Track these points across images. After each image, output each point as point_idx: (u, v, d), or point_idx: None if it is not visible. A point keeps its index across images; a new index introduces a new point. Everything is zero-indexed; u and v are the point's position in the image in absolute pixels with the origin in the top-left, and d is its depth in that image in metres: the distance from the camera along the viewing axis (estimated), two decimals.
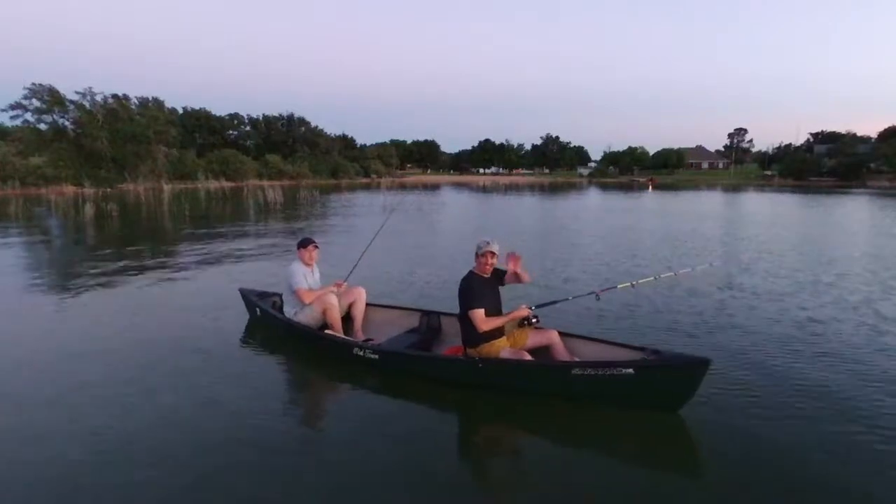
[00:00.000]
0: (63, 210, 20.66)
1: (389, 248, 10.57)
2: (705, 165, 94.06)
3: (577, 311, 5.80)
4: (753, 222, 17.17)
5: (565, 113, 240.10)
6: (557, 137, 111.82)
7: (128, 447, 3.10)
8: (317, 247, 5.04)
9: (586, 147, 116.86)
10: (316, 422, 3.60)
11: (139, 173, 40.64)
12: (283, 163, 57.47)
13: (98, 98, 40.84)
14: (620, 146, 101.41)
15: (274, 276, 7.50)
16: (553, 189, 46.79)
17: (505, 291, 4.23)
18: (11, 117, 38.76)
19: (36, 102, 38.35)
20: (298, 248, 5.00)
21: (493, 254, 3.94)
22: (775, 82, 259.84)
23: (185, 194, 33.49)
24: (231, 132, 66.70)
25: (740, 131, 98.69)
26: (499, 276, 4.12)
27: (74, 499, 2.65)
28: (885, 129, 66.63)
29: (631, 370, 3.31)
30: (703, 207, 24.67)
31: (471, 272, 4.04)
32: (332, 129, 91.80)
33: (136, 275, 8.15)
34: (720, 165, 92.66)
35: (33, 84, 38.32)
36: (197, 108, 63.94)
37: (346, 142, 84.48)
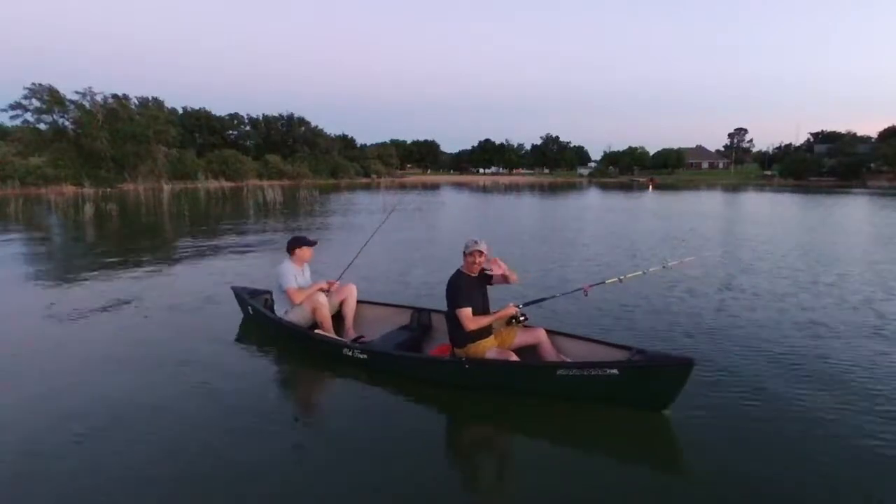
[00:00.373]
0: (63, 210, 20.66)
1: (387, 248, 10.57)
2: (705, 165, 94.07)
3: (575, 310, 5.81)
4: (753, 222, 17.17)
5: (565, 113, 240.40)
6: (557, 137, 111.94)
7: (113, 445, 3.10)
8: (311, 246, 5.03)
9: (586, 147, 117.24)
10: (304, 422, 3.59)
11: (139, 173, 40.67)
12: (282, 163, 57.47)
13: (98, 98, 40.94)
14: (620, 146, 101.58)
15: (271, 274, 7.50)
16: (553, 189, 46.79)
17: (493, 290, 4.24)
18: (11, 117, 38.91)
19: (36, 102, 38.43)
20: (293, 247, 4.96)
21: (480, 253, 3.95)
22: (775, 82, 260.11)
23: (184, 194, 33.49)
24: (231, 132, 66.71)
25: (740, 131, 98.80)
26: (487, 275, 4.13)
27: (60, 499, 2.65)
28: (885, 129, 66.65)
29: (616, 370, 3.33)
30: (703, 207, 24.66)
31: (458, 271, 4.05)
32: (332, 129, 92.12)
33: (133, 273, 8.14)
34: (720, 165, 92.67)
35: (33, 84, 38.45)
36: (197, 108, 64.07)
37: (346, 142, 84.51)
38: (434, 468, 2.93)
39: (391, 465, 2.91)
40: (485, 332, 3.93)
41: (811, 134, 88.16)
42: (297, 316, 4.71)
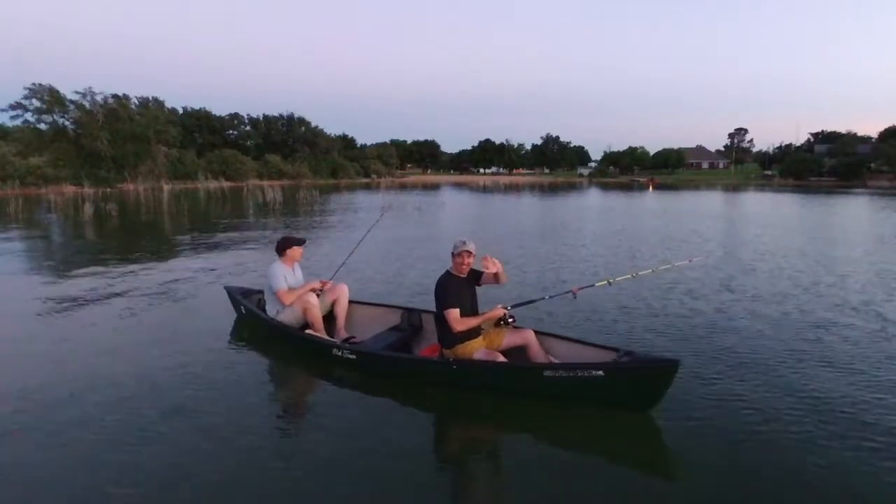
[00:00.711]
0: (63, 210, 20.67)
1: (385, 248, 10.56)
2: (706, 165, 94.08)
3: (572, 311, 5.81)
4: (753, 222, 17.16)
5: (565, 113, 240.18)
6: (557, 137, 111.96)
7: (98, 446, 3.11)
8: (300, 245, 5.03)
9: (586, 147, 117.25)
10: (293, 422, 3.60)
11: (139, 173, 40.67)
12: (283, 163, 57.49)
13: (98, 98, 40.95)
14: (620, 146, 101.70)
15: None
16: (553, 189, 46.79)
17: (483, 291, 4.24)
18: (11, 117, 38.95)
19: (36, 102, 38.45)
20: (282, 248, 4.96)
21: (469, 253, 3.95)
22: (775, 82, 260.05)
23: (184, 194, 33.51)
24: (231, 132, 66.68)
25: (740, 131, 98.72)
26: (476, 276, 4.14)
27: (45, 499, 2.65)
28: (886, 129, 66.58)
29: (601, 372, 3.36)
30: (704, 207, 24.66)
31: (447, 272, 4.06)
32: (332, 129, 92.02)
33: (129, 274, 8.15)
34: (720, 165, 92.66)
35: (33, 84, 38.45)
36: (197, 108, 64.01)
37: (346, 142, 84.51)
38: (421, 468, 2.93)
39: (378, 466, 2.91)
40: (473, 332, 3.94)
41: (811, 134, 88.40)
42: (289, 316, 4.72)
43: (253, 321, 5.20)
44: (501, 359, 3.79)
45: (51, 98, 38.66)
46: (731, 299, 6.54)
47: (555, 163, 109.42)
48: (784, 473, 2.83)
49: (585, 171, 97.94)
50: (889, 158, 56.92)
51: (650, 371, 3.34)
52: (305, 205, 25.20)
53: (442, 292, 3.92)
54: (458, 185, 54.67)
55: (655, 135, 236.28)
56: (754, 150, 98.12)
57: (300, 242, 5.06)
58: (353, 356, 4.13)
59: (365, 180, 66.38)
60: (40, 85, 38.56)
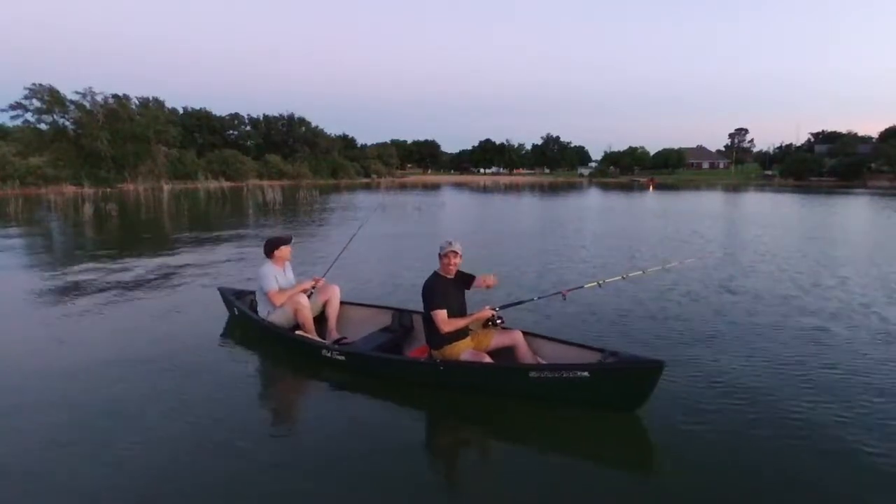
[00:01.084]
0: (63, 210, 20.67)
1: (383, 248, 10.56)
2: (706, 165, 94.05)
3: (569, 312, 5.81)
4: (754, 223, 17.15)
5: (565, 113, 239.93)
6: (558, 137, 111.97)
7: (90, 442, 3.12)
8: (287, 244, 5.03)
9: (587, 147, 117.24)
10: (280, 422, 3.60)
11: (139, 173, 40.69)
12: (283, 163, 57.49)
13: (98, 98, 40.94)
14: (621, 146, 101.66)
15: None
16: (553, 189, 46.78)
17: (473, 291, 4.28)
18: (12, 117, 38.96)
19: (36, 102, 38.45)
20: (271, 249, 4.95)
21: (455, 253, 3.96)
22: (775, 82, 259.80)
23: (184, 194, 33.52)
24: (231, 132, 66.67)
25: (741, 131, 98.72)
26: (464, 278, 4.16)
27: (35, 499, 2.65)
28: (886, 129, 66.54)
29: (586, 373, 3.38)
30: (704, 208, 24.65)
31: (435, 273, 4.07)
32: (333, 129, 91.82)
33: (126, 274, 8.15)
34: (721, 165, 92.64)
35: (33, 84, 38.45)
36: (197, 108, 63.97)
37: (346, 142, 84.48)
38: (408, 469, 2.93)
39: (364, 467, 2.92)
40: (461, 333, 3.96)
41: (812, 134, 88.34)
42: (280, 317, 4.72)
43: (245, 322, 5.23)
44: (488, 359, 3.80)
45: (51, 98, 38.67)
46: (729, 300, 6.52)
47: (555, 163, 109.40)
48: (772, 475, 2.82)
49: (586, 171, 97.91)
50: (889, 158, 56.86)
51: (634, 371, 3.36)
52: (305, 205, 25.20)
53: (429, 293, 3.93)
54: (459, 185, 54.66)
55: (655, 135, 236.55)
56: (755, 150, 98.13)
57: (287, 241, 5.06)
58: (343, 357, 4.16)
59: (365, 180, 66.37)
60: (40, 85, 38.62)
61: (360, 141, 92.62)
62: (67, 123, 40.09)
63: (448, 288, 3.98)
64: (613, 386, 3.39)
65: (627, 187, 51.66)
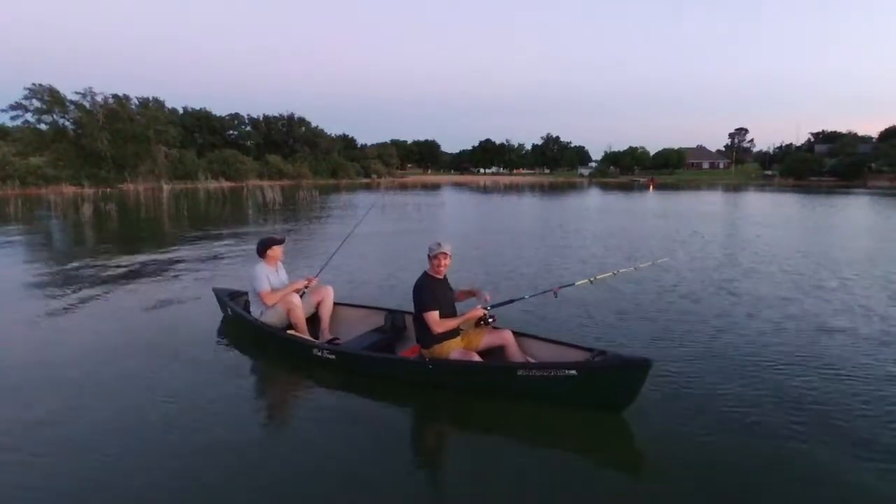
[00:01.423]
0: (63, 210, 20.67)
1: (382, 249, 10.55)
2: (706, 165, 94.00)
3: (568, 313, 5.80)
4: (754, 223, 17.14)
5: (565, 113, 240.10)
6: (558, 137, 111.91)
7: (80, 442, 3.13)
8: (280, 244, 5.04)
9: (587, 147, 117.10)
10: (272, 422, 3.60)
11: (139, 173, 40.69)
12: (283, 163, 57.49)
13: (98, 98, 40.97)
14: (621, 146, 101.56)
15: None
16: (553, 189, 46.77)
17: (456, 288, 4.31)
18: (12, 117, 38.94)
19: (36, 103, 38.46)
20: (263, 249, 4.96)
21: (445, 254, 3.99)
22: (775, 82, 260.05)
23: (184, 194, 33.51)
24: (231, 132, 66.68)
25: (741, 131, 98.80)
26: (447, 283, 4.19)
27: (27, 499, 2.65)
28: (886, 129, 66.55)
29: (574, 371, 3.39)
30: (704, 208, 24.63)
31: (424, 274, 4.08)
32: (333, 129, 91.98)
33: (122, 274, 8.15)
34: (721, 165, 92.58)
35: (33, 84, 38.47)
36: (197, 108, 64.02)
37: (346, 142, 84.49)
38: (395, 468, 2.94)
39: (353, 464, 2.94)
40: (452, 333, 3.96)
41: (812, 134, 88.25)
42: (272, 317, 4.73)
43: (238, 322, 5.24)
44: (477, 359, 3.82)
45: (51, 98, 38.68)
46: (728, 301, 6.51)
47: (555, 163, 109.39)
48: (760, 475, 2.81)
49: (586, 171, 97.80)
50: (890, 158, 56.84)
51: (621, 370, 3.36)
52: (304, 205, 25.20)
53: (420, 294, 3.94)
54: (459, 185, 54.66)
55: (655, 135, 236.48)
56: (755, 150, 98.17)
57: (280, 241, 5.08)
58: (333, 356, 4.19)
59: (365, 180, 66.35)
60: (40, 85, 38.62)
61: (360, 141, 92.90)
62: (67, 123, 40.11)
63: (438, 288, 4.01)
64: (601, 385, 3.40)
65: (627, 187, 51.63)
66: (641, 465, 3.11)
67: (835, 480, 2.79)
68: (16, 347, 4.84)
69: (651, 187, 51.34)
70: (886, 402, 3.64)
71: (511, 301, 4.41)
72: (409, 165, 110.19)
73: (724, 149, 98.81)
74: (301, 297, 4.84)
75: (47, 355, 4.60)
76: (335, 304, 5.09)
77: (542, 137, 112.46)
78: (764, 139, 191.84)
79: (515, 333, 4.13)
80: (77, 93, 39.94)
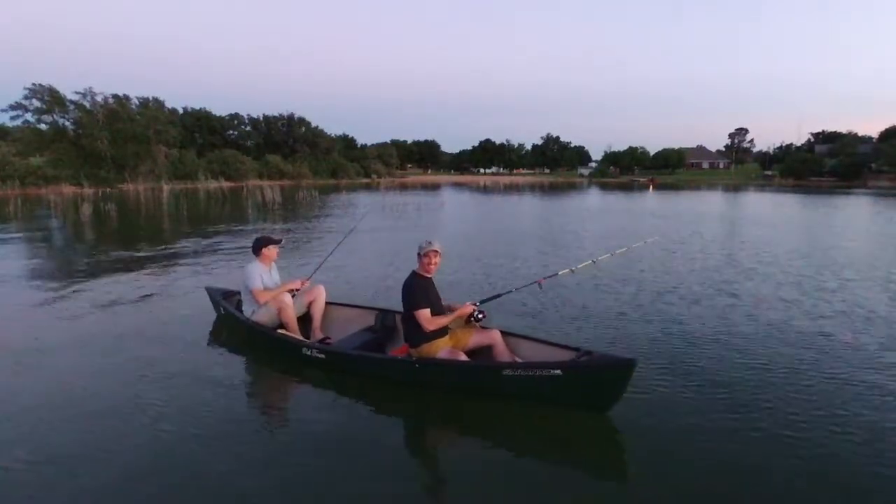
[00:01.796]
0: (62, 210, 20.66)
1: (381, 249, 10.53)
2: (706, 165, 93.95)
3: (565, 314, 5.79)
4: (754, 223, 17.13)
5: (565, 113, 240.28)
6: (558, 137, 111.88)
7: (72, 442, 3.13)
8: (276, 244, 5.07)
9: (587, 147, 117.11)
10: (262, 421, 3.60)
11: (139, 173, 40.69)
12: (283, 163, 57.47)
13: (98, 98, 41.01)
14: (621, 146, 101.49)
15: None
16: (553, 189, 46.75)
17: (451, 286, 4.35)
18: (12, 117, 38.97)
19: (36, 103, 38.48)
20: (258, 247, 5.00)
21: (436, 253, 3.99)
22: (775, 82, 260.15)
23: (184, 194, 33.50)
24: (231, 132, 66.64)
25: (741, 131, 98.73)
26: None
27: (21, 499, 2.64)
28: (886, 129, 66.48)
29: (559, 371, 3.40)
30: (704, 208, 24.61)
31: (414, 272, 4.08)
32: (333, 129, 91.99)
33: (119, 273, 8.15)
34: (721, 165, 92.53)
35: (33, 84, 38.48)
36: (197, 108, 64.00)
37: (346, 142, 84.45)
38: (382, 467, 2.95)
39: (340, 464, 2.95)
40: (441, 332, 3.97)
41: (812, 134, 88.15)
42: (264, 316, 4.75)
43: (230, 322, 5.26)
44: (464, 358, 3.82)
45: (51, 98, 38.69)
46: (727, 302, 6.50)
47: (555, 163, 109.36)
48: (747, 474, 2.81)
49: (586, 171, 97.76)
50: (890, 158, 56.78)
51: (605, 370, 3.37)
52: (304, 205, 25.18)
53: (410, 293, 3.94)
54: (459, 185, 54.64)
55: (655, 135, 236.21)
56: (755, 150, 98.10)
57: (276, 242, 5.11)
58: (322, 355, 4.22)
59: (365, 180, 66.32)
60: (40, 85, 38.64)
61: (360, 141, 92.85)
62: (67, 123, 40.14)
63: (428, 287, 4.01)
64: (585, 384, 3.42)
65: (628, 187, 51.61)
66: (626, 464, 3.12)
67: (832, 482, 2.78)
68: (4, 355, 4.80)
69: (651, 187, 51.31)
70: (886, 404, 3.63)
71: (499, 295, 4.45)
72: (409, 165, 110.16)
73: (724, 149, 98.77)
74: (293, 296, 4.86)
75: (37, 354, 4.59)
76: (327, 303, 5.12)
77: (542, 137, 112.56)
78: (764, 139, 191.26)
79: (504, 333, 4.14)
80: (77, 93, 40.07)
